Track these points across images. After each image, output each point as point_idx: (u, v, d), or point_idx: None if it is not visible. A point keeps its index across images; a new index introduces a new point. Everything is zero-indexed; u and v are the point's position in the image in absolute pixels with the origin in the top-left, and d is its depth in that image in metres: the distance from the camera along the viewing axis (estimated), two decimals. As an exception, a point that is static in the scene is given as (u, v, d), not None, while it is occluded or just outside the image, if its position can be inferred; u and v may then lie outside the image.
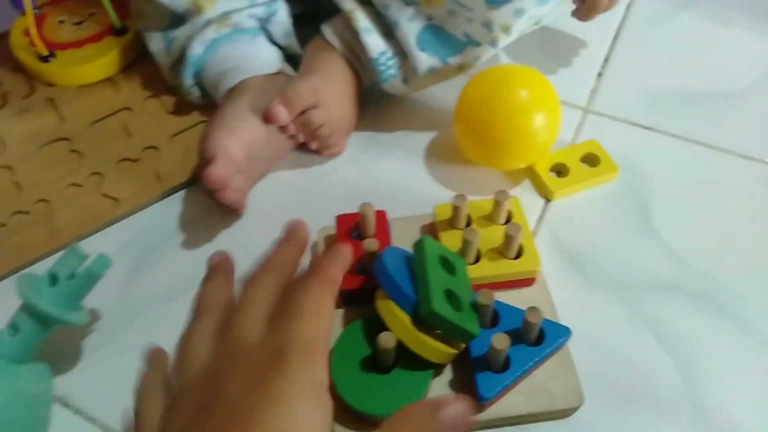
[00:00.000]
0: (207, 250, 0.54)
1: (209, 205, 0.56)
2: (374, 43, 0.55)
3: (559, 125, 0.54)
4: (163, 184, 0.57)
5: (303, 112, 0.54)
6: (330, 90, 0.56)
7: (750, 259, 0.50)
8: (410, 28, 0.54)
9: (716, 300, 0.48)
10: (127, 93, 0.64)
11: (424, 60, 0.55)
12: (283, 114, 0.52)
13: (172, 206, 0.57)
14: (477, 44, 0.54)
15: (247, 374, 0.29)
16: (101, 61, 0.65)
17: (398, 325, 0.40)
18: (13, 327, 0.42)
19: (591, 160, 0.57)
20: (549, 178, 0.55)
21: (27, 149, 0.60)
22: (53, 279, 0.42)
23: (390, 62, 0.56)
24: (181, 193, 0.58)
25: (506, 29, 0.53)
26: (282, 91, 0.53)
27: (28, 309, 0.41)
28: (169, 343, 0.48)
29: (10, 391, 0.40)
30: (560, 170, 0.56)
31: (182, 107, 0.63)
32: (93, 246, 0.52)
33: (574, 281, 0.50)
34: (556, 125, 0.53)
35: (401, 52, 0.56)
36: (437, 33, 0.54)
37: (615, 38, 0.69)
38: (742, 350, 0.46)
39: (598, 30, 0.69)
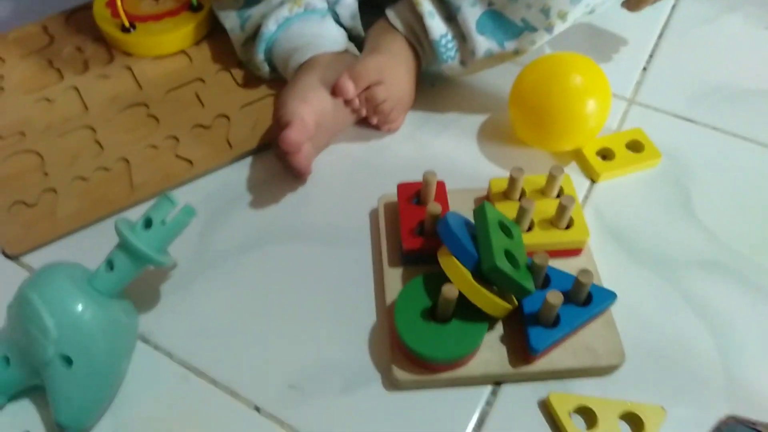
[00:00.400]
0: (272, 211, 0.58)
1: (275, 171, 0.60)
2: (436, 26, 0.59)
3: (609, 112, 0.57)
4: (234, 149, 0.61)
5: (368, 88, 0.58)
6: (393, 69, 0.60)
7: (784, 245, 0.54)
8: (471, 12, 0.58)
9: (751, 279, 0.52)
10: (200, 65, 0.69)
11: (483, 43, 0.59)
12: (350, 87, 0.57)
13: (242, 171, 0.61)
14: (533, 30, 0.57)
15: None
16: (177, 34, 0.69)
17: (460, 279, 0.44)
18: (109, 264, 0.46)
19: (635, 146, 0.60)
20: (596, 161, 0.59)
21: (108, 112, 0.65)
22: (148, 223, 0.46)
23: (450, 45, 0.60)
24: (249, 159, 0.62)
25: (563, 16, 0.56)
26: (350, 67, 0.57)
27: (124, 248, 0.46)
28: (239, 293, 0.52)
29: (108, 319, 0.45)
30: (606, 154, 0.60)
31: (251, 81, 0.67)
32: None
33: (617, 255, 0.53)
34: (606, 111, 0.57)
35: (461, 36, 0.59)
36: (497, 18, 0.58)
37: (660, 36, 0.72)
38: (774, 326, 0.49)
39: (643, 27, 0.72)
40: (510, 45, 0.59)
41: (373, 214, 0.57)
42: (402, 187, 0.54)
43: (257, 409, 0.47)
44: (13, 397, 0.47)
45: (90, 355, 0.44)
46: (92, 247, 0.55)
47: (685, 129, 0.63)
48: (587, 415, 0.45)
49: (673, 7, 0.75)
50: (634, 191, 0.58)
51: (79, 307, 0.44)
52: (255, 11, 0.64)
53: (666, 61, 0.69)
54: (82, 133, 0.64)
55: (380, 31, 0.63)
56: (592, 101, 0.55)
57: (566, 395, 0.45)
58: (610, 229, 0.55)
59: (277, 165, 0.60)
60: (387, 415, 0.46)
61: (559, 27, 0.57)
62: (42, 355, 0.43)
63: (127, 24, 0.68)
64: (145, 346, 0.50)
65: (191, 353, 0.50)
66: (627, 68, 0.68)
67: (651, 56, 0.70)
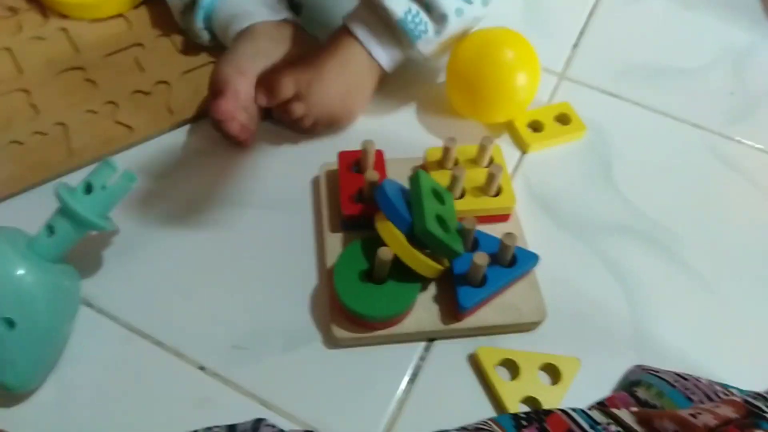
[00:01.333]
0: (215, 178, 0.59)
1: (217, 139, 0.61)
2: (396, 4, 0.57)
3: (538, 86, 0.60)
4: (174, 116, 0.62)
5: (287, 102, 0.58)
6: (323, 83, 0.58)
7: (693, 211, 0.59)
8: None
9: (662, 242, 0.56)
10: (139, 30, 0.68)
11: (450, 2, 0.57)
12: (263, 100, 0.57)
13: (182, 138, 0.62)
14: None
15: None
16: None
17: (395, 242, 0.46)
18: (50, 229, 0.46)
19: (563, 119, 0.64)
20: (526, 133, 0.62)
21: (43, 75, 0.64)
22: (88, 188, 0.47)
23: (417, 19, 0.58)
24: (190, 127, 0.62)
25: None
26: (265, 76, 0.58)
27: (65, 213, 0.46)
28: (182, 257, 0.53)
29: (50, 282, 0.45)
30: (536, 127, 0.63)
31: (191, 48, 0.67)
32: (111, 167, 0.57)
33: (543, 221, 0.57)
34: (535, 85, 0.60)
35: (424, 4, 0.57)
36: None
37: (590, 14, 0.75)
38: (680, 285, 0.54)
39: (575, 5, 0.76)
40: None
41: (315, 182, 0.58)
42: (342, 155, 0.56)
43: (202, 368, 0.49)
44: (-46, 360, 0.47)
45: (32, 317, 0.44)
46: (29, 212, 0.55)
47: (609, 104, 0.67)
48: (511, 367, 0.49)
49: (604, -15, 0.79)
50: (561, 162, 0.62)
51: (20, 271, 0.44)
52: None
53: (595, 38, 0.73)
54: (17, 96, 0.63)
55: (334, 39, 0.60)
56: (523, 75, 0.58)
57: (492, 349, 0.49)
58: (537, 197, 0.59)
59: (217, 133, 0.61)
60: (327, 371, 0.49)
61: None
62: (-17, 318, 0.43)
63: None
64: (89, 310, 0.51)
65: (136, 316, 0.51)
66: (558, 44, 0.72)
67: (581, 33, 0.73)
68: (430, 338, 0.50)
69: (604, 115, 0.65)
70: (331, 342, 0.49)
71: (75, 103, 0.62)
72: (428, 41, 0.59)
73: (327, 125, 0.61)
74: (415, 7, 0.57)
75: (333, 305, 0.50)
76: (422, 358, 0.49)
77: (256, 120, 0.60)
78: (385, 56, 0.59)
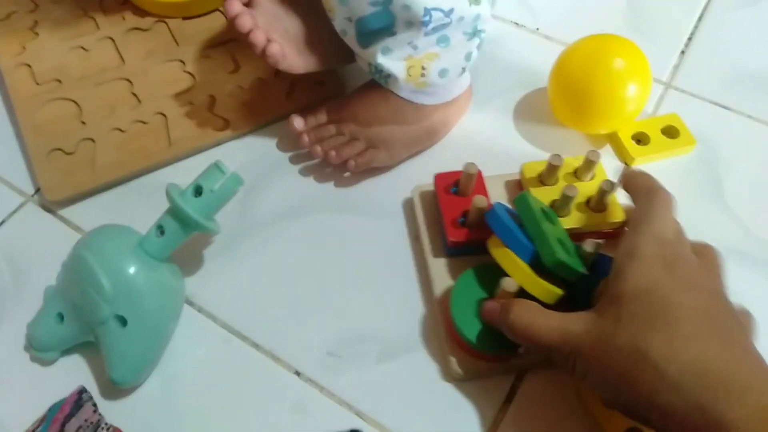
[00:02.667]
0: (311, 182, 0.59)
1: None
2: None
3: (648, 97, 0.58)
4: (271, 111, 0.62)
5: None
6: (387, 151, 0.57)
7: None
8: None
9: (775, 270, 0.53)
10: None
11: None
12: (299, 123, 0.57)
13: (275, 134, 0.61)
14: None
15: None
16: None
17: (518, 272, 0.45)
18: (160, 229, 0.47)
19: (670, 132, 0.61)
20: (631, 145, 0.59)
21: (144, 66, 0.65)
22: (198, 190, 0.47)
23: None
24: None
25: None
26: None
27: (175, 214, 0.47)
28: (280, 260, 0.53)
29: (159, 281, 0.46)
30: (641, 139, 0.60)
31: None
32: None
33: (648, 241, 0.55)
34: (646, 96, 0.57)
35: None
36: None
37: (699, 19, 0.71)
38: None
39: (683, 9, 0.72)
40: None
41: (407, 204, 0.57)
42: (439, 178, 0.54)
43: (297, 373, 0.49)
44: (65, 352, 0.49)
45: (143, 315, 0.45)
46: (129, 201, 0.57)
47: (719, 116, 0.63)
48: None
49: (714, -13, 0.74)
50: (667, 177, 0.58)
51: (133, 269, 0.45)
52: None
53: (704, 45, 0.69)
54: (119, 84, 0.64)
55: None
56: (634, 86, 0.56)
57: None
58: (642, 214, 0.56)
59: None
60: (423, 385, 0.48)
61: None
62: (98, 314, 0.44)
63: None
64: (191, 309, 0.52)
65: (234, 317, 0.51)
66: (664, 51, 0.68)
67: (690, 39, 0.69)
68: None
69: (714, 128, 0.62)
70: (450, 375, 0.48)
71: (174, 95, 0.62)
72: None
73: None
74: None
75: (449, 336, 0.49)
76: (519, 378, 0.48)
77: (292, 42, 0.56)
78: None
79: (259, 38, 0.53)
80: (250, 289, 0.53)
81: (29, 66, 0.65)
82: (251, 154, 0.60)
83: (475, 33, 0.53)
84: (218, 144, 0.61)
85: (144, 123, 0.61)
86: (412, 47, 0.51)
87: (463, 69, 0.55)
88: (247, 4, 0.55)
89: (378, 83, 0.56)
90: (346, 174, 0.59)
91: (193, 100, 0.62)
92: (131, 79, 0.64)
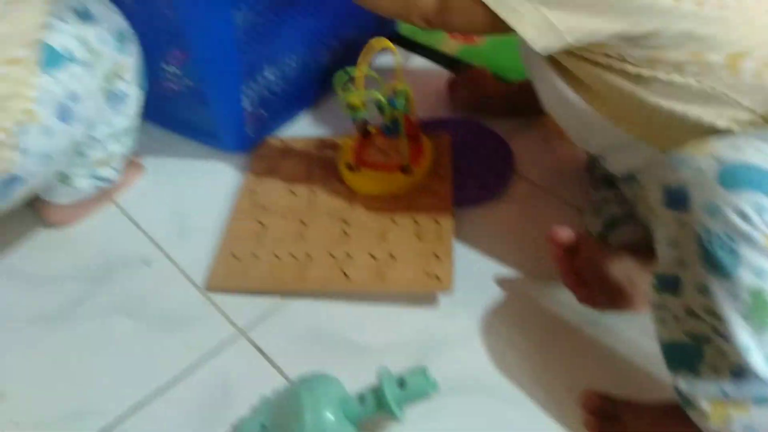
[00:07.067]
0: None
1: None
2: None
3: None
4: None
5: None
6: None
7: None
8: None
9: None
10: (401, 204, 0.83)
11: None
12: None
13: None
14: None
15: None
16: (384, 185, 0.84)
17: None
18: (362, 399, 0.60)
19: None
20: None
21: (319, 214, 0.82)
22: (401, 383, 0.60)
23: None
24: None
25: None
26: None
27: (379, 394, 0.59)
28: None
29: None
30: None
31: (430, 232, 0.80)
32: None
33: None
34: None
35: None
36: None
37: None
38: None
39: None
40: None
41: None
42: None
43: None
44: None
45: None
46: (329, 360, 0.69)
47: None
48: None
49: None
50: None
51: (333, 421, 0.58)
52: None
53: None
54: (294, 222, 0.81)
55: None
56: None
57: None
58: None
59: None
60: None
61: None
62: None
63: (353, 164, 0.84)
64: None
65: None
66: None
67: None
68: None
69: None
70: None
71: (327, 244, 0.78)
72: None
73: None
74: None
75: None
76: None
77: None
78: None
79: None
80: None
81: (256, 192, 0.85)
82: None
83: None
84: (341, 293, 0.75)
85: (294, 257, 0.77)
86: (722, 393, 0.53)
87: None
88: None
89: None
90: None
91: (335, 252, 0.77)
92: (307, 222, 0.81)
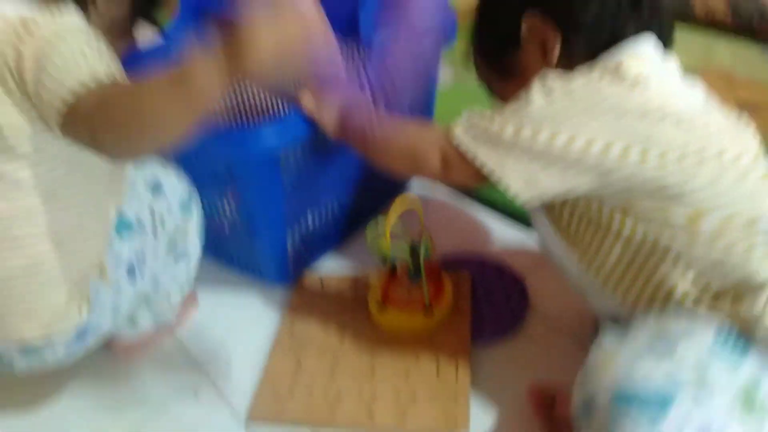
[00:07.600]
0: None
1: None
2: None
3: None
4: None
5: None
6: None
7: None
8: None
9: None
10: (428, 348, 0.90)
11: None
12: None
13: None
14: None
15: None
16: (407, 324, 0.92)
17: None
18: None
19: None
20: None
21: (358, 352, 0.91)
22: None
23: None
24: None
25: None
26: None
27: None
28: None
29: None
30: None
31: (449, 372, 0.86)
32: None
33: None
34: None
35: None
36: None
37: None
38: None
39: None
40: None
41: None
42: None
43: None
44: None
45: None
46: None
47: None
48: None
49: None
50: None
51: None
52: None
53: None
54: (328, 360, 0.90)
55: None
56: None
57: None
58: None
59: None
60: None
61: None
62: None
63: (381, 301, 0.93)
64: None
65: None
66: None
67: None
68: None
69: None
70: None
71: (356, 381, 0.86)
72: None
73: None
74: None
75: None
76: None
77: None
78: None
79: None
80: None
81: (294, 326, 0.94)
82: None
83: None
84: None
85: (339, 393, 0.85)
86: None
87: None
88: None
89: None
90: None
91: (365, 391, 0.85)
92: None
